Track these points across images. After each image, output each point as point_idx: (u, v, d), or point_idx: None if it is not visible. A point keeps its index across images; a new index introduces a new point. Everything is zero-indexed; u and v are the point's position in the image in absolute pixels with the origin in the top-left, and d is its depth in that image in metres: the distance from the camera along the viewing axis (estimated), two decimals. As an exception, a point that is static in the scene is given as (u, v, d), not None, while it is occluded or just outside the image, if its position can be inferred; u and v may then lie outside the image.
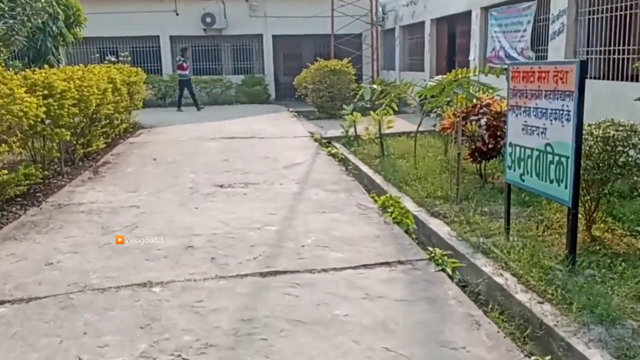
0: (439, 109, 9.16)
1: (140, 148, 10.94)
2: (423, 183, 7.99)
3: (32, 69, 10.81)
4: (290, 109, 17.41)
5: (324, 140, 11.70)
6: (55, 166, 8.85)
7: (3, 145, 6.25)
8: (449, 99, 7.75)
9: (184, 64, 18.06)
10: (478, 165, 7.96)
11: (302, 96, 16.37)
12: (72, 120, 8.25)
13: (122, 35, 20.57)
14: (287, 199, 6.80)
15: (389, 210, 6.13)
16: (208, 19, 20.30)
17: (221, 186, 7.51)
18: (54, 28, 12.47)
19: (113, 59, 13.66)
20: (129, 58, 14.24)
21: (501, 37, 11.31)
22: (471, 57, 12.55)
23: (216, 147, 10.76)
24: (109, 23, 19.85)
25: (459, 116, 7.92)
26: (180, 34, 20.82)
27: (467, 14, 12.93)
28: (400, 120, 14.71)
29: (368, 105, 16.07)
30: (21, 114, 6.27)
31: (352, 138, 11.94)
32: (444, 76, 9.62)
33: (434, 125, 10.08)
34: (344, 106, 12.16)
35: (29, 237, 5.61)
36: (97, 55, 16.62)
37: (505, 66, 6.50)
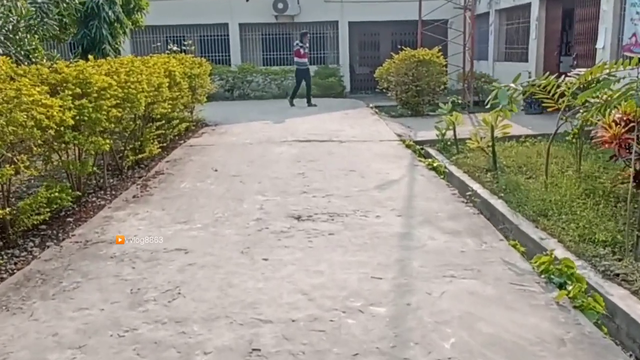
0: (584, 112, 6.81)
1: (201, 153, 9.12)
2: (568, 216, 5.75)
3: (85, 59, 9.22)
4: (370, 104, 15.26)
5: (417, 146, 9.53)
6: (98, 179, 7.12)
7: (6, 167, 4.45)
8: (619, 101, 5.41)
9: (301, 50, 15.60)
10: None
11: (384, 90, 14.18)
12: (113, 126, 6.46)
13: (189, 23, 18.97)
14: (392, 245, 4.71)
15: (554, 276, 3.95)
16: (280, 5, 18.38)
17: (298, 218, 5.50)
18: (110, 13, 10.82)
19: (175, 48, 11.92)
20: (193, 47, 12.49)
21: (647, 20, 8.77)
22: (599, 45, 10.02)
23: (288, 154, 8.78)
24: (175, 10, 18.32)
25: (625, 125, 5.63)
26: (250, 21, 19.02)
27: (594, -7, 10.40)
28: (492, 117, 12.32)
29: (460, 101, 13.75)
30: (31, 123, 4.45)
31: (449, 143, 9.73)
32: (584, 70, 7.29)
33: (572, 132, 7.69)
34: (440, 104, 9.95)
35: (26, 306, 3.79)
36: (159, 44, 15.01)
37: None
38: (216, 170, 7.76)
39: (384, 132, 10.81)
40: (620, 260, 4.77)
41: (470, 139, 9.44)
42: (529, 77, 13.08)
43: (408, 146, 9.29)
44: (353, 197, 6.23)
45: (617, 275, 4.50)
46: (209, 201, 6.24)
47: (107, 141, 6.28)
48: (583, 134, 7.67)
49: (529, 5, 13.20)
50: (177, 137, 10.35)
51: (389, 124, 11.76)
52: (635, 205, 5.23)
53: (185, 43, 12.79)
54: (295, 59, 15.72)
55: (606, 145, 5.90)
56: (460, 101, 13.80)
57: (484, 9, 16.04)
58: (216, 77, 17.69)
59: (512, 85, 6.12)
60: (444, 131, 9.79)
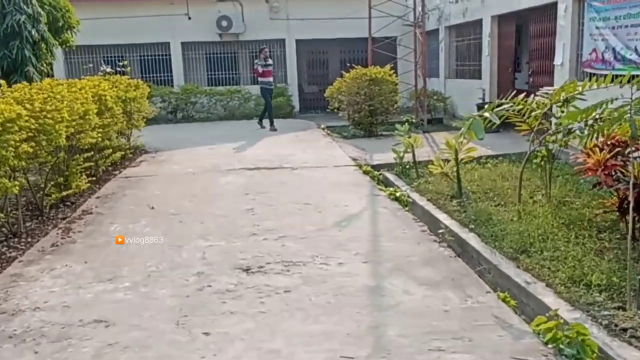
0: (555, 133, 6.19)
1: (137, 186, 8.09)
2: (551, 252, 5.09)
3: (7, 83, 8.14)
4: (321, 125, 14.50)
5: (373, 171, 8.78)
6: (10, 224, 6.02)
7: None
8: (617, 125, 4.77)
9: (259, 69, 14.17)
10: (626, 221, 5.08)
11: (335, 110, 13.45)
12: (24, 163, 5.41)
13: (129, 42, 17.83)
14: (361, 305, 3.86)
15: (564, 345, 3.20)
16: (224, 23, 17.49)
17: (247, 270, 4.59)
18: (34, 32, 9.68)
19: (108, 69, 10.84)
20: (129, 68, 11.41)
21: (608, 35, 8.33)
22: (558, 61, 9.57)
23: (236, 185, 7.87)
24: (114, 29, 17.15)
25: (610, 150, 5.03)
26: (193, 39, 18.03)
27: (549, 8, 9.97)
28: (449, 136, 11.71)
29: (413, 120, 13.17)
30: None
31: (407, 166, 9.05)
32: (554, 88, 6.72)
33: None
34: (397, 125, 9.27)
35: None
36: (90, 65, 13.82)
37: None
38: (153, 208, 6.76)
39: (338, 156, 10.04)
40: (622, 309, 4.09)
41: (431, 162, 8.78)
42: (483, 94, 12.65)
43: (365, 172, 8.53)
44: (310, 238, 5.38)
45: (624, 330, 3.81)
46: (141, 249, 5.26)
47: (16, 182, 5.24)
48: (551, 156, 7.09)
49: (480, 21, 12.79)
50: (111, 168, 9.27)
51: (342, 147, 11.00)
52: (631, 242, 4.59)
53: (120, 64, 11.69)
54: (260, 78, 14.40)
55: (589, 173, 5.26)
56: (414, 120, 13.22)
57: (433, 26, 15.62)
58: (158, 99, 16.63)
59: (487, 114, 5.40)
60: (402, 154, 9.12)
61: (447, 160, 7.69)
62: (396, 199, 6.90)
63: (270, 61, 14.34)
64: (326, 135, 12.63)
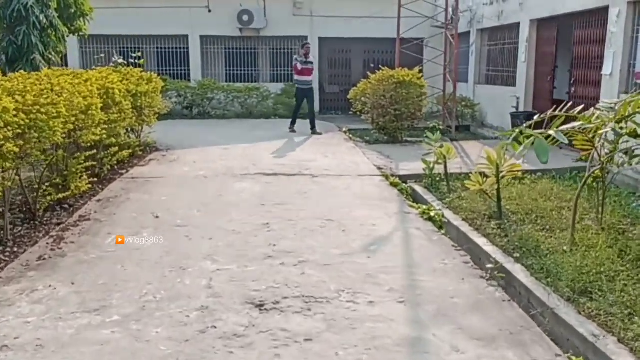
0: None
1: (143, 189, 7.35)
2: (617, 294, 4.27)
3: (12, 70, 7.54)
4: (342, 128, 13.70)
5: (403, 184, 7.96)
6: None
7: None
8: None
9: (299, 66, 12.81)
10: None
11: (358, 112, 12.63)
12: (9, 164, 4.68)
13: (146, 33, 17.17)
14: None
15: None
16: (245, 17, 16.74)
17: (260, 306, 3.80)
18: (42, 18, 8.99)
19: (120, 60, 10.12)
20: (142, 60, 10.67)
21: (669, 44, 7.45)
22: (606, 71, 8.67)
23: (250, 193, 7.09)
24: (131, 19, 16.49)
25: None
26: (212, 33, 17.31)
27: (598, 12, 9.07)
28: (479, 146, 10.90)
29: (440, 127, 12.32)
30: None
31: (438, 179, 8.23)
32: (616, 101, 5.87)
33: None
34: (427, 132, 8.44)
35: None
36: (102, 55, 13.13)
37: None
38: (157, 217, 6.01)
39: (362, 163, 9.23)
40: None
41: (463, 174, 8.00)
42: (517, 102, 11.77)
43: (393, 184, 7.71)
44: (334, 265, 4.59)
45: None
46: (139, 270, 4.51)
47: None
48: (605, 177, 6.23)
49: (517, 25, 11.90)
50: (117, 167, 8.55)
51: (366, 153, 10.18)
52: None
53: (134, 55, 10.98)
54: (296, 76, 13.12)
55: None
56: (441, 127, 12.37)
57: (464, 28, 14.72)
58: (173, 93, 15.94)
59: (552, 132, 4.55)
60: (432, 165, 8.31)
61: (485, 176, 6.85)
62: (430, 219, 6.08)
63: (311, 58, 13.10)
64: (348, 140, 11.82)
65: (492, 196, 6.80)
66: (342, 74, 18.59)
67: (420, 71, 12.10)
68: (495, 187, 6.62)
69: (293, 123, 13.03)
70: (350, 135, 12.29)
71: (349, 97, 12.73)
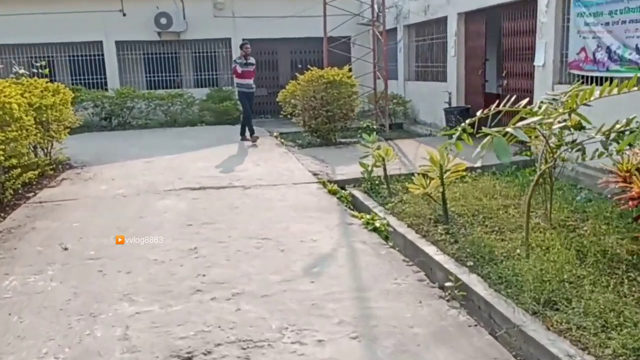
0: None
1: (52, 215, 6.44)
2: (583, 302, 3.91)
3: None
4: (273, 132, 13.07)
5: (341, 191, 7.43)
6: None
7: None
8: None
9: (238, 68, 11.66)
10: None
11: (288, 115, 12.03)
12: None
13: (56, 41, 15.88)
14: None
15: None
16: (163, 20, 15.78)
17: (188, 360, 3.15)
18: None
19: (21, 71, 9.05)
20: (46, 70, 9.59)
21: (601, 32, 7.28)
22: (538, 63, 8.49)
23: (176, 213, 6.34)
24: (39, 26, 15.19)
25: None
26: (128, 38, 16.22)
27: (527, 3, 8.88)
28: (415, 144, 10.55)
29: (375, 127, 11.94)
30: None
31: (377, 182, 7.79)
32: (560, 92, 5.58)
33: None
34: (364, 135, 7.97)
35: None
36: (1, 66, 11.86)
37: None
38: (66, 249, 5.17)
39: (296, 170, 8.64)
40: None
41: (402, 176, 7.62)
42: (449, 98, 11.53)
43: (331, 192, 7.16)
44: (274, 295, 3.96)
45: None
46: (39, 320, 3.72)
47: None
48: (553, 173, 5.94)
49: (444, 19, 11.66)
50: (23, 190, 7.56)
51: (300, 158, 9.60)
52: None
53: (37, 64, 9.90)
54: (237, 80, 12.00)
55: (631, 203, 4.08)
56: (375, 126, 11.98)
57: (390, 25, 14.43)
58: (89, 103, 14.78)
59: (510, 129, 4.10)
60: (370, 168, 7.85)
61: (428, 178, 6.43)
62: (375, 230, 5.56)
63: (252, 60, 11.94)
64: (280, 145, 11.21)
65: (436, 199, 6.39)
66: (269, 75, 17.94)
67: (350, 70, 11.65)
68: (440, 189, 6.22)
69: (245, 131, 11.94)
70: (282, 140, 11.68)
71: (277, 99, 12.10)
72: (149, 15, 15.74)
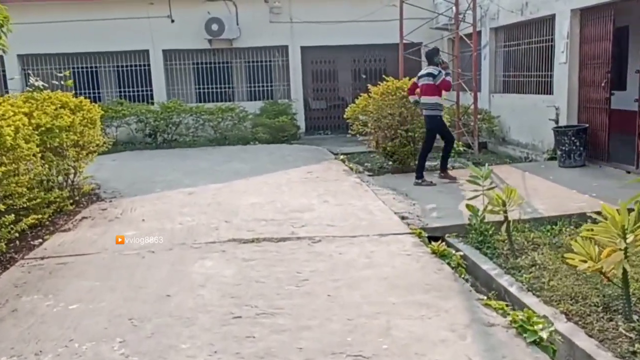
0: None
1: (46, 285, 4.46)
2: None
3: None
4: (338, 154, 10.97)
5: (452, 251, 5.21)
6: None
7: None
8: None
9: (430, 81, 7.97)
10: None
11: (357, 134, 9.88)
12: None
13: (101, 50, 14.30)
14: None
15: None
16: (214, 27, 13.95)
17: None
18: None
19: (38, 82, 7.22)
20: (69, 82, 7.71)
21: None
22: None
23: (218, 289, 4.22)
24: (84, 35, 13.64)
25: None
26: (177, 47, 14.49)
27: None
28: (517, 173, 8.05)
29: (462, 150, 9.68)
30: None
31: (490, 230, 5.61)
32: None
33: None
34: (471, 166, 5.76)
35: None
36: (16, 77, 10.13)
37: None
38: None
39: (377, 210, 6.46)
40: None
41: (528, 222, 5.40)
42: (556, 114, 9.14)
43: (436, 253, 4.94)
44: None
45: None
46: None
47: None
48: None
49: (550, 18, 9.30)
50: (30, 232, 5.70)
51: (377, 192, 7.43)
52: None
53: (61, 75, 8.08)
54: (434, 98, 8.03)
55: None
56: (462, 149, 9.70)
57: (470, 29, 12.10)
58: (133, 118, 13.09)
59: None
60: (481, 215, 5.66)
61: (597, 244, 4.14)
62: (537, 342, 3.31)
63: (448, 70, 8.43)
64: (349, 171, 9.03)
65: (611, 276, 4.10)
66: (328, 87, 15.91)
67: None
68: (620, 265, 3.92)
69: (422, 169, 8.19)
70: (350, 165, 9.50)
71: (345, 116, 9.96)
72: (199, 22, 13.95)
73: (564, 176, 7.89)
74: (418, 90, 8.17)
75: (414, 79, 8.39)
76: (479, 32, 12.03)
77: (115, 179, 8.80)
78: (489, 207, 5.40)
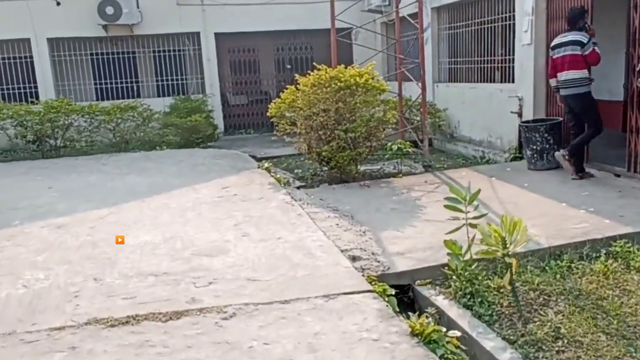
0: None
1: None
2: None
3: None
4: (261, 160, 8.96)
5: (437, 327, 3.37)
6: None
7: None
8: None
9: (571, 51, 6.17)
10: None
11: (285, 134, 7.87)
12: None
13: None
14: None
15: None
16: (109, 10, 11.48)
17: None
18: None
19: None
20: None
21: None
22: None
23: None
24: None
25: None
26: (65, 34, 11.92)
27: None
28: (480, 179, 6.29)
29: (409, 150, 7.93)
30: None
31: (477, 278, 3.85)
32: None
33: None
34: (451, 189, 3.97)
35: None
36: None
37: None
38: None
39: (317, 248, 4.53)
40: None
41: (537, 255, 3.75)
42: (520, 106, 7.57)
43: (421, 334, 3.08)
44: None
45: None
46: None
47: None
48: None
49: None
50: None
51: (314, 216, 5.51)
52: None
53: None
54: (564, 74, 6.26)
55: None
56: (409, 149, 7.94)
57: (408, 10, 10.39)
58: (12, 121, 10.49)
59: None
60: (465, 252, 3.91)
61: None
62: None
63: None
64: (276, 184, 7.00)
65: None
66: (249, 80, 13.80)
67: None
68: None
69: (582, 161, 6.48)
70: (277, 176, 7.49)
71: (269, 114, 7.92)
72: (90, 4, 11.47)
73: (541, 183, 6.29)
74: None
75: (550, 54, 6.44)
76: (414, 15, 10.35)
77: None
78: (484, 248, 3.64)
